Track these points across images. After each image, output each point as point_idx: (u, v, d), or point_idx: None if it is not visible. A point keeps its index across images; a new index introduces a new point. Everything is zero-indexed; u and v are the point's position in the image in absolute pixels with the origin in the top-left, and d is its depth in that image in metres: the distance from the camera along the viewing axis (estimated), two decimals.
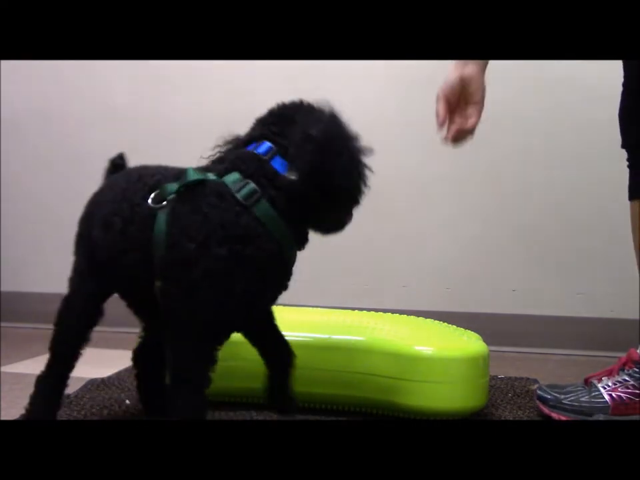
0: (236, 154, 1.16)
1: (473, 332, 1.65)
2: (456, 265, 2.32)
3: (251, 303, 1.14)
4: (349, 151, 1.13)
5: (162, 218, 1.10)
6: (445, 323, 1.68)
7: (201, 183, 1.11)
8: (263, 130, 1.17)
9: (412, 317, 1.69)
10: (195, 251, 1.07)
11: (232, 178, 1.11)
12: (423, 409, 1.47)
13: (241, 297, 1.12)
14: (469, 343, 1.55)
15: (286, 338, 1.46)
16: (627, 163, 1.49)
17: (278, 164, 1.12)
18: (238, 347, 1.58)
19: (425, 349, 1.50)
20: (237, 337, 1.58)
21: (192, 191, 1.11)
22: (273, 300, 1.23)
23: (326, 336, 1.56)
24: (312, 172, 1.09)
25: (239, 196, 1.09)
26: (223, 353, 1.55)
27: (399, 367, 1.49)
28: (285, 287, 1.20)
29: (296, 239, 1.16)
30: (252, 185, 1.10)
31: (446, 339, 1.57)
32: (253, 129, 1.20)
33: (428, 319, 1.69)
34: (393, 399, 1.49)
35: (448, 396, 1.48)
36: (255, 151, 1.14)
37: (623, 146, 1.48)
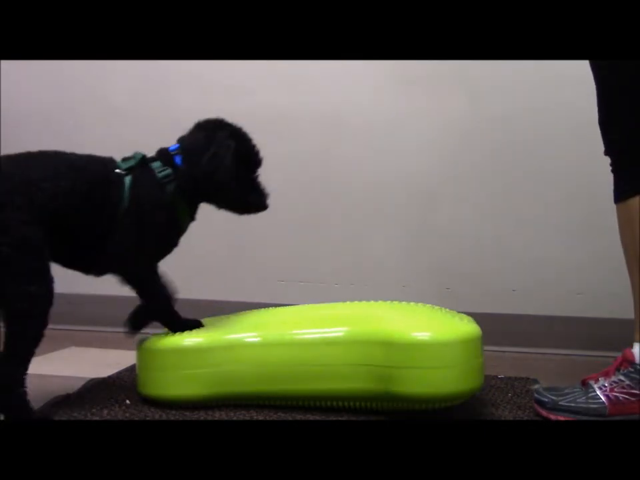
0: (160, 149, 1.62)
1: (463, 314, 1.63)
2: (456, 265, 2.32)
3: (160, 249, 1.61)
4: (212, 158, 1.55)
5: (127, 182, 1.52)
6: (437, 306, 1.66)
7: (143, 162, 1.57)
8: (181, 136, 1.64)
9: (403, 302, 1.67)
10: (150, 210, 1.54)
11: (156, 164, 1.58)
12: (421, 395, 1.47)
13: (159, 243, 1.59)
14: (462, 325, 1.54)
15: (281, 339, 1.55)
16: (611, 168, 1.54)
17: (179, 159, 1.58)
18: (235, 351, 1.57)
19: (419, 335, 1.48)
20: (234, 341, 1.58)
21: (139, 167, 1.56)
22: (166, 253, 1.61)
23: (318, 330, 1.56)
24: (189, 168, 1.57)
25: (158, 176, 1.56)
26: (219, 358, 1.55)
27: (395, 355, 1.48)
28: (174, 246, 1.61)
29: (189, 212, 1.61)
30: (168, 171, 1.57)
31: (439, 323, 1.55)
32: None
33: (419, 303, 1.67)
34: (391, 388, 1.49)
35: (446, 380, 1.47)
36: (169, 149, 1.61)
37: (606, 153, 1.54)
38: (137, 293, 1.59)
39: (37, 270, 1.41)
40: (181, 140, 1.62)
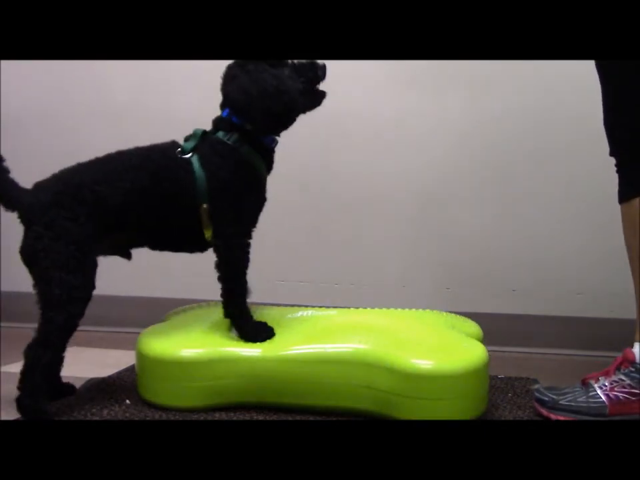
0: (214, 119, 1.65)
1: (471, 323, 1.61)
2: (456, 265, 2.32)
3: (256, 207, 1.65)
4: (273, 91, 1.56)
5: (195, 162, 1.57)
6: (444, 315, 1.63)
7: (205, 136, 1.61)
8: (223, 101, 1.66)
9: (408, 310, 1.65)
10: (230, 178, 1.57)
11: (220, 134, 1.61)
12: None
13: (253, 203, 1.64)
14: (469, 352, 1.50)
15: (283, 355, 1.54)
16: (615, 169, 1.55)
17: (235, 119, 1.61)
18: (235, 364, 1.54)
19: (423, 364, 1.44)
20: (234, 354, 1.54)
21: (202, 143, 1.60)
22: (259, 213, 1.65)
23: (321, 347, 1.53)
24: (248, 118, 1.60)
25: (230, 142, 1.59)
26: (219, 370, 1.53)
27: (397, 383, 1.44)
28: (264, 202, 1.65)
29: (267, 166, 1.65)
30: (236, 135, 1.60)
31: (446, 350, 1.50)
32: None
33: (427, 310, 1.63)
34: (391, 414, 1.46)
35: (449, 411, 1.44)
36: (223, 115, 1.63)
37: (611, 154, 1.55)
38: (223, 278, 1.60)
39: (76, 262, 1.48)
40: (226, 102, 1.63)
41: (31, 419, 1.45)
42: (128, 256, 1.65)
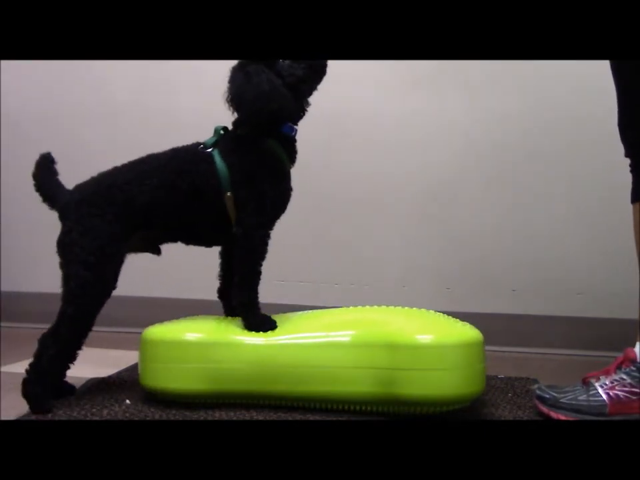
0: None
1: (464, 322, 1.63)
2: (456, 265, 2.32)
3: (279, 198, 1.65)
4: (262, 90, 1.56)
5: (217, 155, 1.60)
6: (439, 313, 1.66)
7: (225, 133, 1.65)
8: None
9: (406, 308, 1.67)
10: (251, 169, 1.59)
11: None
12: (424, 398, 1.48)
13: (276, 194, 1.64)
14: (465, 330, 1.55)
15: (284, 341, 1.56)
16: (630, 169, 1.54)
17: None
18: (237, 349, 1.56)
19: (423, 337, 1.50)
20: (237, 340, 1.57)
21: (223, 138, 1.63)
22: (285, 206, 1.67)
23: (323, 334, 1.56)
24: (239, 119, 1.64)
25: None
26: (221, 354, 1.55)
27: (398, 358, 1.48)
28: (289, 193, 1.66)
29: (290, 158, 1.65)
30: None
31: (442, 327, 1.56)
32: None
33: (422, 309, 1.67)
34: (393, 390, 1.49)
35: (448, 382, 1.48)
36: None
37: (626, 155, 1.54)
38: (238, 267, 1.60)
39: (96, 258, 1.53)
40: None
41: (31, 406, 1.50)
42: (157, 252, 1.71)
